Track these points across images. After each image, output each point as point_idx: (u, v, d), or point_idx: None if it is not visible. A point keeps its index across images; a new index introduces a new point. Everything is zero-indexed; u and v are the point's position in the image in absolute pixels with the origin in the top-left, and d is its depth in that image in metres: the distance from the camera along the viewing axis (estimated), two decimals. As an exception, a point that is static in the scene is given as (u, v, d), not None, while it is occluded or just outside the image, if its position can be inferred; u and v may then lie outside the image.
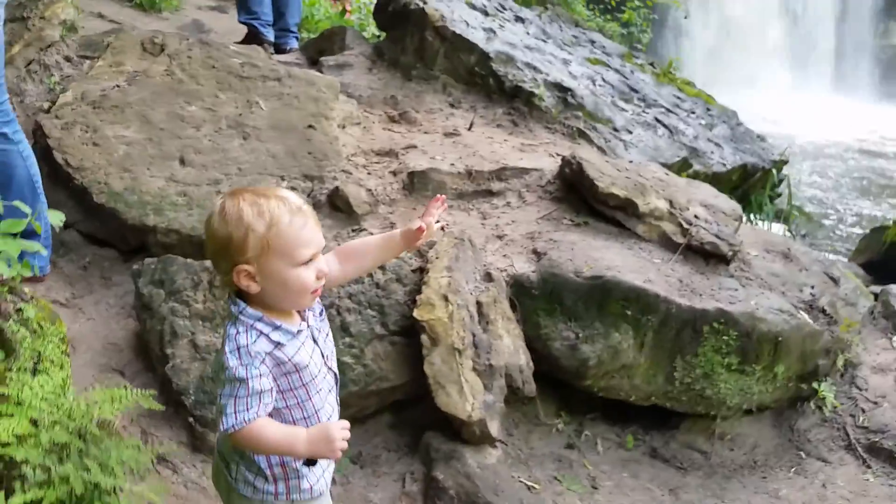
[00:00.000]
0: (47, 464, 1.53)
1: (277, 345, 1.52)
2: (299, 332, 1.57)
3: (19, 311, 1.82)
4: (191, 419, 2.51)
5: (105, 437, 1.67)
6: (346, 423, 1.56)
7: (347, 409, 2.66)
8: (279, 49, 5.31)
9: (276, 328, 1.53)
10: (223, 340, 1.52)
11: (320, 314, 1.68)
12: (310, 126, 3.74)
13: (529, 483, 2.60)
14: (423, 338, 2.61)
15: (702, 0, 13.23)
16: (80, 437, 1.64)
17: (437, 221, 1.79)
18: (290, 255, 1.49)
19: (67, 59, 4.11)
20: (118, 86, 3.69)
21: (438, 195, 1.80)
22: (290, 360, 1.54)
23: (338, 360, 2.63)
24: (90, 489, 1.54)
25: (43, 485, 1.49)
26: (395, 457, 2.66)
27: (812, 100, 13.32)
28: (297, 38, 5.58)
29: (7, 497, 1.47)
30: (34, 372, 1.77)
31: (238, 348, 1.48)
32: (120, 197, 3.19)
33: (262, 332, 1.51)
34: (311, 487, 1.65)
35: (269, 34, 5.28)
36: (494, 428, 2.59)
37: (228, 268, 1.49)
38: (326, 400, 1.65)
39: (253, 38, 5.13)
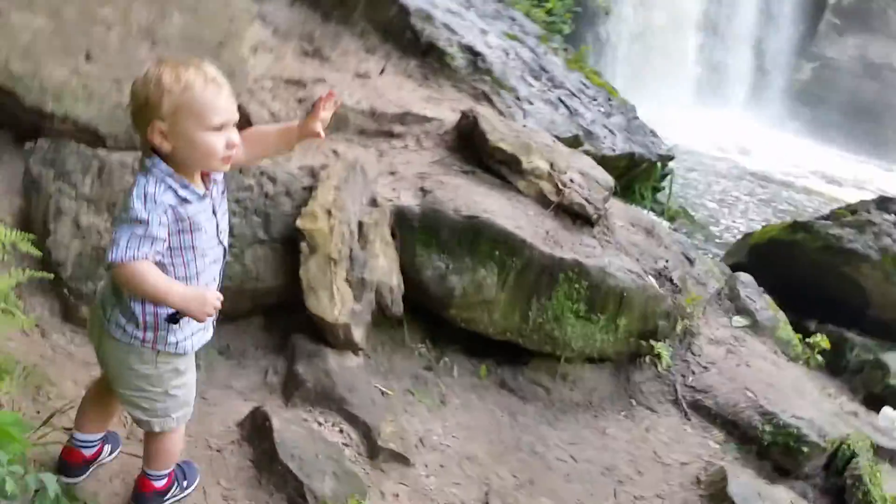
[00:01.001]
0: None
1: (183, 201, 1.68)
2: (204, 196, 1.74)
3: None
4: (65, 290, 2.60)
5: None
6: (220, 296, 1.73)
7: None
8: (204, -29, 5.29)
9: (185, 187, 1.69)
10: (132, 187, 1.66)
11: (222, 193, 1.85)
12: (221, 43, 3.81)
13: (384, 389, 2.83)
14: (303, 245, 2.79)
15: (628, 3, 13.73)
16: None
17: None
18: (200, 118, 1.64)
19: (-21, -63, 4.01)
20: (31, -29, 3.65)
21: (330, 89, 1.96)
22: (189, 218, 1.70)
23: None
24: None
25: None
26: (261, 353, 2.83)
27: (720, 119, 14.12)
28: (224, -36, 5.57)
29: None
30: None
31: (145, 195, 1.63)
32: (20, 80, 3.18)
33: (170, 186, 1.67)
34: (177, 343, 1.81)
35: (197, -45, 5.25)
36: (359, 335, 2.81)
37: (145, 124, 1.64)
38: (209, 268, 1.82)
39: (179, -45, 5.10)
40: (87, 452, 2.00)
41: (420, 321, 3.27)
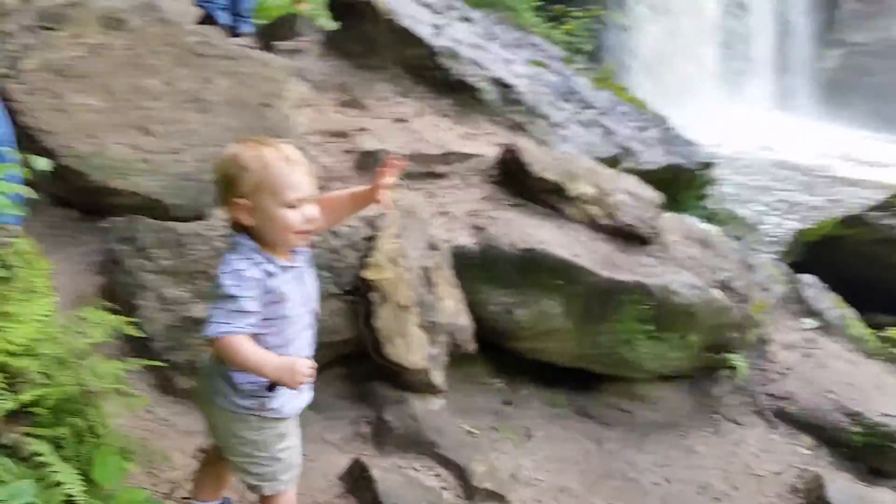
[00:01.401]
0: (48, 371, 1.72)
1: (269, 274, 1.76)
2: (289, 268, 1.81)
3: (13, 244, 1.98)
4: (160, 363, 2.67)
5: (92, 352, 1.86)
6: (313, 364, 1.77)
7: (303, 360, 2.90)
8: (233, 33, 5.45)
9: (269, 261, 1.77)
10: (221, 265, 1.74)
11: (307, 261, 1.92)
12: (264, 104, 3.94)
13: (469, 428, 2.87)
14: (373, 295, 2.86)
15: (645, 15, 13.82)
16: (72, 351, 1.82)
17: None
18: (278, 195, 1.73)
19: (27, 28, 4.19)
20: (81, 56, 3.80)
21: (392, 157, 2.01)
22: (276, 290, 1.77)
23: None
24: (82, 392, 1.74)
25: (45, 386, 1.68)
26: (347, 404, 2.89)
27: (751, 116, 14.08)
28: (250, 23, 5.74)
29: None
30: (26, 299, 1.94)
31: (234, 271, 1.71)
32: (86, 160, 3.33)
33: (256, 262, 1.75)
34: (279, 408, 1.87)
35: (224, 18, 5.43)
36: (437, 378, 2.85)
37: (229, 201, 1.74)
38: (301, 334, 1.89)
39: (207, 20, 5.26)
40: None
41: (491, 357, 3.31)
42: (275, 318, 1.79)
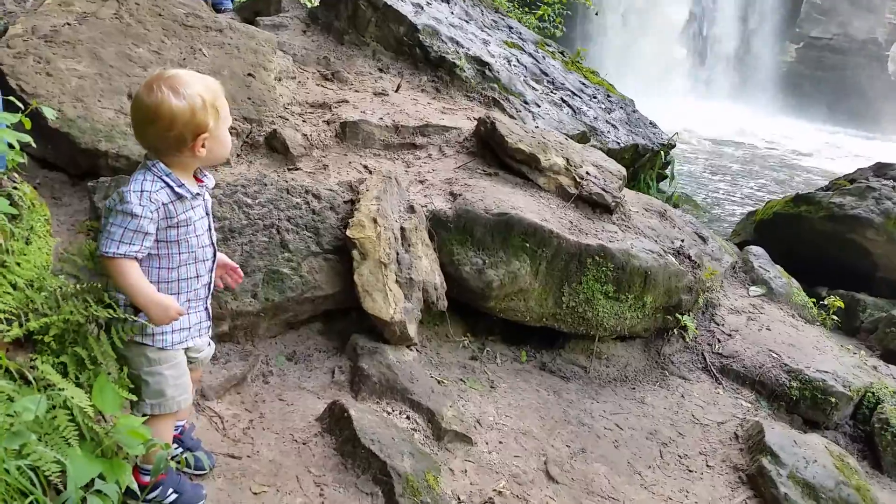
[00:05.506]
0: (52, 303, 1.87)
1: (179, 198, 1.82)
2: (197, 195, 1.89)
3: (16, 188, 2.13)
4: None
5: (92, 286, 2.00)
6: (182, 311, 1.87)
7: (285, 313, 3.07)
8: (215, 9, 5.55)
9: (181, 185, 1.83)
10: (129, 181, 1.80)
11: (208, 190, 1.97)
12: (249, 74, 4.07)
13: (439, 379, 3.07)
14: (355, 253, 3.03)
15: (615, 5, 14.07)
16: (75, 285, 1.97)
17: None
18: (226, 119, 1.86)
19: (11, -5, 4.29)
20: (68, 23, 3.91)
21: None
22: (179, 214, 1.83)
23: (277, 270, 3.06)
24: (86, 320, 1.89)
25: (51, 315, 1.83)
26: (324, 356, 3.07)
27: (713, 106, 14.45)
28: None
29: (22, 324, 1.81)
30: (27, 241, 2.09)
31: (141, 191, 1.78)
32: (74, 123, 3.44)
33: (168, 184, 1.81)
34: (153, 336, 1.90)
35: (206, -7, 5.53)
36: (412, 330, 3.04)
37: (191, 138, 1.79)
38: (197, 267, 1.94)
39: (190, -6, 5.36)
40: None
41: (459, 316, 3.51)
42: (170, 241, 1.85)
